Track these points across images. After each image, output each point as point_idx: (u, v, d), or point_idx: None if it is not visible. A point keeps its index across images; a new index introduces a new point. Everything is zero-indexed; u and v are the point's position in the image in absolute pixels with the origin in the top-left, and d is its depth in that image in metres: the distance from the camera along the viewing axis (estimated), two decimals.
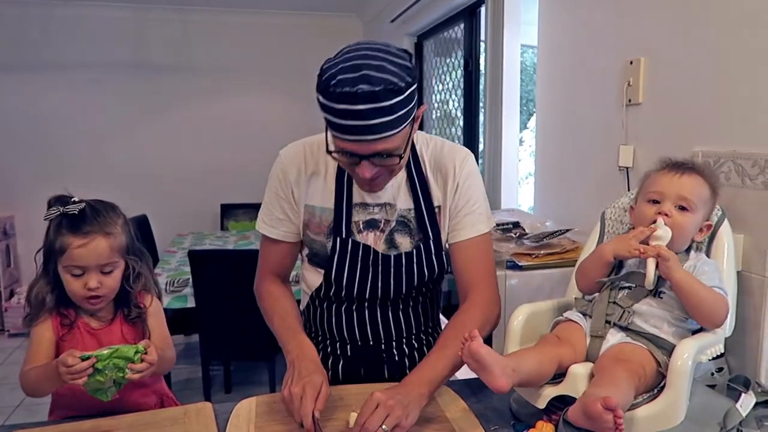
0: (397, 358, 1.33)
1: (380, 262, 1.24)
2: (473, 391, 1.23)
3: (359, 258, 1.24)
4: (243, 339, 3.03)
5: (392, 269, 1.25)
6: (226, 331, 3.03)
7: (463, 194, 1.25)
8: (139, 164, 4.86)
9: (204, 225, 4.97)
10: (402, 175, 1.25)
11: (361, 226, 1.25)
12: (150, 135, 4.88)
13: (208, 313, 2.99)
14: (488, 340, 1.71)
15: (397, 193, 1.25)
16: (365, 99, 0.98)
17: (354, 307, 1.30)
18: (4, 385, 3.56)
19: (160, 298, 1.33)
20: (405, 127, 1.05)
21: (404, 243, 1.25)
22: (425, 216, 1.24)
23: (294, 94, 4.93)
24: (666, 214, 1.08)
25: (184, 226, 4.68)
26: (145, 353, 1.10)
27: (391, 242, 1.25)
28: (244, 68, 4.97)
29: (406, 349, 1.34)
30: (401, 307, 1.31)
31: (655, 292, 1.06)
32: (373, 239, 1.25)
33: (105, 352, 1.06)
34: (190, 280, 2.99)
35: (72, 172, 4.71)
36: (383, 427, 0.97)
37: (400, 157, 1.09)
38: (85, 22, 4.63)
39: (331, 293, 1.29)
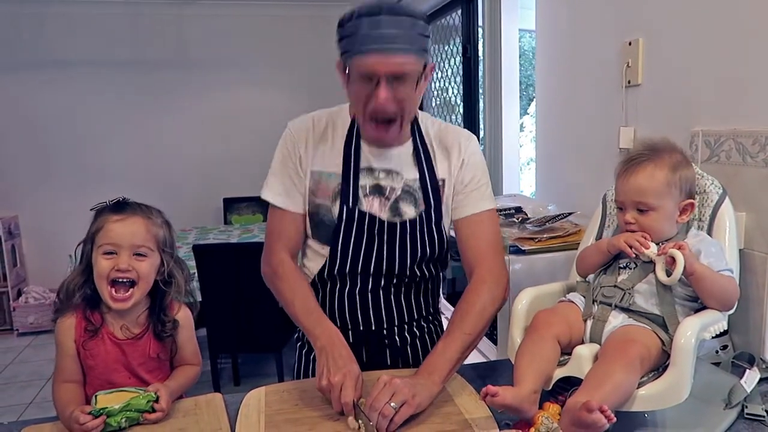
0: (399, 344, 1.35)
1: (386, 230, 1.26)
2: (480, 375, 1.24)
3: (365, 227, 1.26)
4: (250, 331, 3.06)
5: (397, 238, 1.26)
6: (232, 325, 3.05)
7: (469, 170, 1.29)
8: (140, 160, 4.87)
9: (207, 219, 4.98)
10: (408, 147, 1.29)
11: (368, 190, 1.27)
12: (151, 131, 4.88)
13: (215, 307, 3.00)
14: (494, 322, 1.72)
15: (403, 163, 1.28)
16: (387, 11, 1.10)
17: (357, 291, 1.30)
18: (15, 383, 3.59)
19: (192, 310, 1.29)
20: (420, 55, 1.14)
21: (409, 212, 1.28)
22: (429, 187, 1.28)
23: (294, 85, 4.92)
24: (632, 222, 1.09)
25: (187, 221, 4.68)
26: (156, 401, 1.08)
27: (396, 210, 1.27)
28: (242, 61, 4.95)
29: (408, 337, 1.36)
30: (403, 290, 1.32)
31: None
32: (378, 206, 1.27)
33: (116, 407, 1.04)
34: (196, 274, 3.01)
35: (74, 171, 4.73)
36: (391, 404, 1.00)
37: (418, 83, 1.15)
38: (81, 19, 4.62)
39: (335, 271, 1.29)
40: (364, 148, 1.28)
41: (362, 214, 1.25)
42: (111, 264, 1.15)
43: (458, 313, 1.20)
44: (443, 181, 1.29)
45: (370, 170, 1.28)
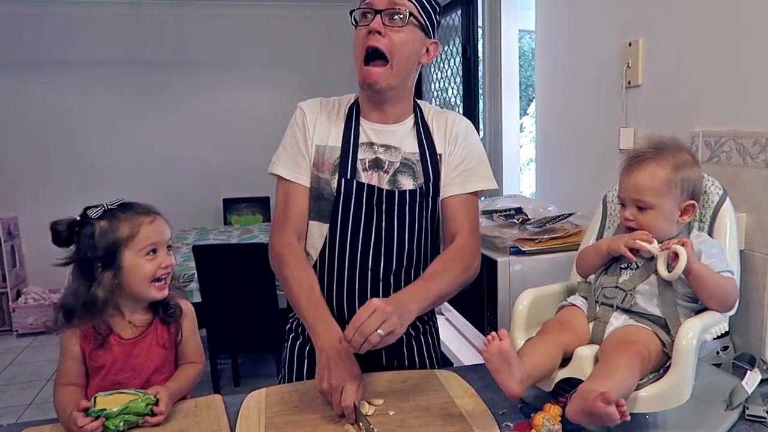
0: (395, 343, 1.34)
1: (384, 200, 1.29)
2: (481, 376, 1.24)
3: (364, 199, 1.29)
4: (249, 332, 3.05)
5: (396, 209, 1.29)
6: (232, 325, 3.05)
7: (460, 150, 1.35)
8: (140, 161, 4.86)
9: (207, 220, 4.97)
10: (408, 123, 1.35)
11: (367, 164, 1.32)
12: (151, 131, 4.88)
13: (215, 308, 3.00)
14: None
15: (402, 138, 1.34)
16: None
17: (357, 280, 1.31)
18: (15, 384, 3.59)
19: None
20: (419, 9, 1.26)
21: (407, 184, 1.31)
22: (429, 160, 1.33)
23: (294, 86, 4.91)
24: (631, 219, 1.10)
25: (186, 221, 4.68)
26: (156, 403, 1.08)
27: (394, 183, 1.31)
28: (242, 62, 4.95)
29: (404, 337, 1.36)
30: (403, 282, 1.33)
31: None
32: (377, 179, 1.31)
33: (115, 409, 1.04)
34: (196, 275, 3.01)
35: (74, 171, 4.73)
36: (379, 331, 1.02)
37: (407, 18, 1.24)
38: (81, 19, 4.61)
39: (336, 250, 1.31)
40: (365, 124, 1.34)
41: (360, 185, 1.29)
42: (155, 264, 1.18)
43: (440, 263, 1.26)
44: (440, 156, 1.34)
45: (370, 145, 1.33)
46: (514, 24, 2.72)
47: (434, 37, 1.33)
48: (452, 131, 1.35)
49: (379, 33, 1.23)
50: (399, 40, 1.25)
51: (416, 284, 1.21)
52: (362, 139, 1.33)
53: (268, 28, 4.97)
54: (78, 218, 1.18)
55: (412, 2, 1.26)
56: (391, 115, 1.34)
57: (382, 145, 1.33)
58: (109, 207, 1.19)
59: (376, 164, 1.32)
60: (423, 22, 1.28)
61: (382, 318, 1.03)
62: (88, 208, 1.19)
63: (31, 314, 4.41)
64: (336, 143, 1.32)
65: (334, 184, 1.30)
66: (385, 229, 1.30)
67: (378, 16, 1.24)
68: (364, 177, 1.30)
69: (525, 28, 2.87)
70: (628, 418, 0.85)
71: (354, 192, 1.29)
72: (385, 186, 1.30)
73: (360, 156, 1.31)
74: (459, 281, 1.26)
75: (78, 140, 4.75)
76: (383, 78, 1.26)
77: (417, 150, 1.33)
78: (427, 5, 1.29)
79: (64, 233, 1.17)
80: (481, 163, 1.36)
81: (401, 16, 1.25)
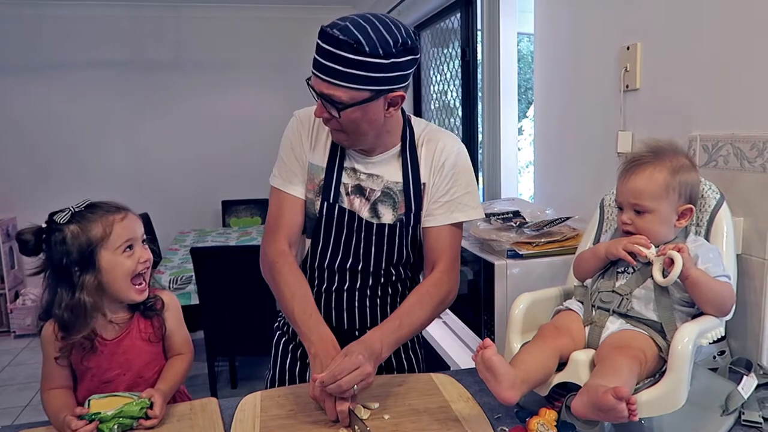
0: None
1: (363, 228, 1.29)
2: (477, 380, 1.23)
3: (345, 224, 1.29)
4: (247, 334, 3.05)
5: (374, 238, 1.29)
6: (230, 327, 3.05)
7: (446, 180, 1.30)
8: (139, 163, 4.86)
9: (205, 222, 4.97)
10: (394, 151, 1.31)
11: (350, 189, 1.31)
12: (149, 133, 4.88)
13: (212, 310, 3.00)
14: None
15: (386, 167, 1.31)
16: (330, 42, 1.11)
17: (334, 288, 1.33)
18: (11, 385, 3.58)
19: None
20: (356, 88, 1.12)
21: (386, 215, 1.30)
22: (411, 191, 1.30)
23: (292, 88, 4.88)
24: (628, 223, 1.10)
25: (185, 223, 4.68)
26: (150, 407, 1.07)
27: (374, 211, 1.30)
28: (241, 64, 4.95)
29: None
30: (380, 292, 1.35)
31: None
32: (359, 205, 1.30)
33: (109, 413, 1.04)
34: (194, 277, 3.00)
35: (73, 173, 4.72)
36: (355, 387, 1.04)
37: (338, 110, 1.15)
38: (79, 21, 4.61)
39: (316, 264, 1.33)
40: (348, 151, 1.31)
41: (342, 210, 1.29)
42: (134, 259, 1.17)
43: (416, 294, 1.26)
44: (424, 185, 1.31)
45: (354, 170, 1.31)
46: (512, 27, 2.72)
47: (404, 80, 1.17)
48: (440, 159, 1.30)
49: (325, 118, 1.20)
50: (346, 121, 1.17)
51: (390, 324, 1.20)
52: (347, 163, 1.31)
53: (267, 31, 4.97)
54: (44, 225, 1.15)
55: (346, 86, 1.12)
56: (374, 150, 1.30)
57: (365, 173, 1.31)
58: (76, 209, 1.16)
59: (359, 190, 1.30)
60: (369, 93, 1.14)
61: (361, 377, 1.04)
62: (54, 213, 1.15)
63: (29, 315, 4.40)
64: (322, 163, 1.31)
65: (317, 206, 1.30)
66: (363, 251, 1.31)
67: (320, 101, 1.17)
68: (347, 201, 1.30)
69: (524, 30, 2.86)
70: (637, 417, 0.85)
71: (336, 216, 1.29)
72: (366, 214, 1.30)
73: (344, 180, 1.30)
74: (433, 316, 1.28)
75: (77, 142, 4.75)
76: (347, 142, 1.25)
77: (400, 179, 1.30)
78: (371, 61, 1.10)
79: (31, 242, 1.14)
80: (468, 193, 1.32)
81: (345, 104, 1.14)
